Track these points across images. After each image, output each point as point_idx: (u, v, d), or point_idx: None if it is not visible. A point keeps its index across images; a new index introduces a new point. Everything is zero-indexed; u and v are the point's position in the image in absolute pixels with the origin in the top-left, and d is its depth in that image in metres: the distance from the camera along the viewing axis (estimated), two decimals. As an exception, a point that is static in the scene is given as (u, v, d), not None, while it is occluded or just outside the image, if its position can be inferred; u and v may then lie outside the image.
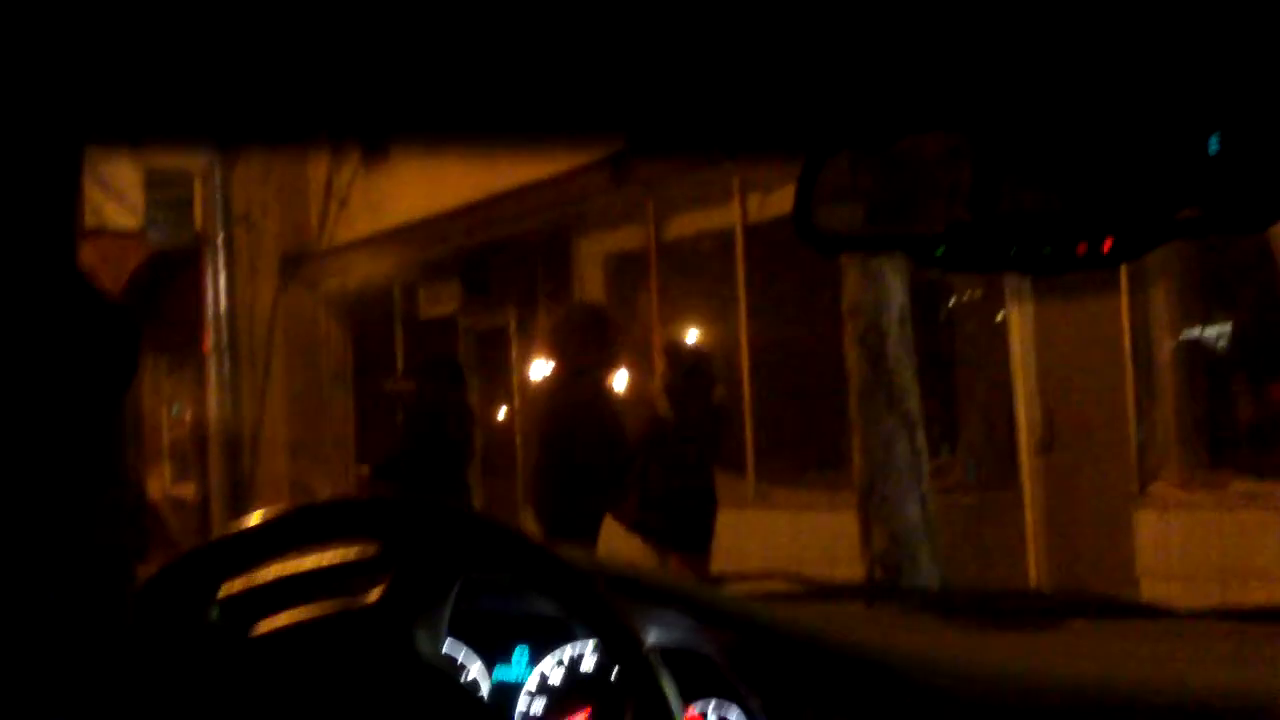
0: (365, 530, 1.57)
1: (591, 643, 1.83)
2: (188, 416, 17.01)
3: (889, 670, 1.77)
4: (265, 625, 1.51)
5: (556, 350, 6.74)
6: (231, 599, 1.67)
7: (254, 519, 1.58)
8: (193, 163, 14.27)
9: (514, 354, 14.09)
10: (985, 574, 8.93)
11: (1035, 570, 9.07)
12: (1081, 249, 1.34)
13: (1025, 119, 1.40)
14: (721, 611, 1.87)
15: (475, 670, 1.89)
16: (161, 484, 16.88)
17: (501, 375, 14.35)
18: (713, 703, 1.81)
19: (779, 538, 10.00)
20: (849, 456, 7.92)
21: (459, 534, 1.51)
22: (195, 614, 1.48)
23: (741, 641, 1.84)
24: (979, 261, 1.38)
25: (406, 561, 1.51)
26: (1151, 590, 8.16)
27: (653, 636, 1.79)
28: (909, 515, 7.14)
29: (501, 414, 14.50)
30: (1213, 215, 1.32)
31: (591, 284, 13.12)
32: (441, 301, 14.89)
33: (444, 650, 1.84)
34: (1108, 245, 1.33)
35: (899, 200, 1.47)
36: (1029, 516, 9.21)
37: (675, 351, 8.14)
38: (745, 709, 1.80)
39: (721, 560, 7.53)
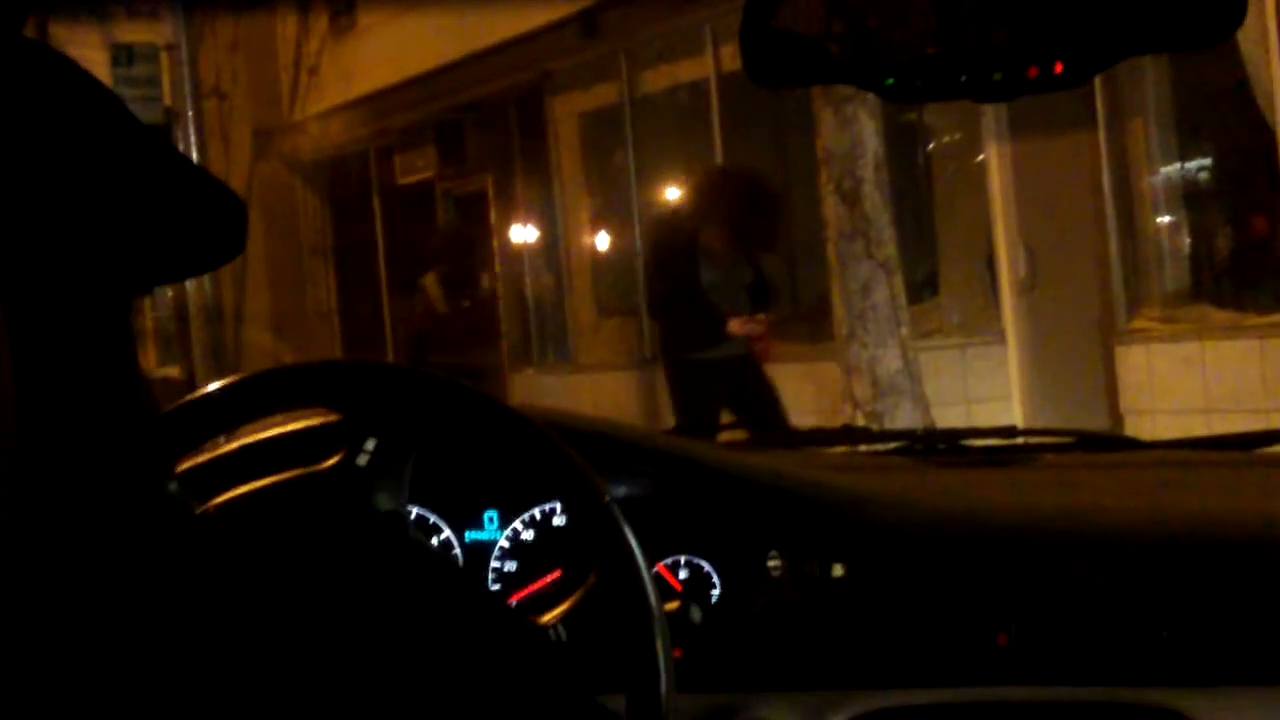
0: (321, 396, 1.54)
1: (560, 503, 1.81)
2: (169, 295, 16.97)
3: (858, 513, 1.76)
4: (225, 496, 1.49)
5: None
6: (190, 471, 1.66)
7: (208, 390, 1.55)
8: (158, 35, 14.08)
9: (493, 217, 14.03)
10: (969, 417, 8.96)
11: (1020, 411, 9.10)
12: (1033, 72, 1.30)
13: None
14: (691, 461, 1.86)
15: (443, 536, 1.88)
16: (147, 366, 16.88)
17: (482, 239, 14.29)
18: (684, 558, 1.79)
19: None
20: (830, 305, 7.91)
21: (416, 395, 1.49)
22: (152, 487, 1.45)
23: (712, 491, 1.82)
24: (929, 90, 1.35)
25: (363, 424, 1.49)
26: (1136, 426, 8.20)
27: (620, 491, 1.77)
28: (889, 361, 7.15)
29: (484, 280, 14.47)
30: (1163, 29, 1.28)
31: (567, 143, 13.03)
32: (417, 167, 14.80)
33: (415, 513, 1.83)
34: (1059, 67, 1.30)
35: (852, 33, 1.43)
36: (1012, 358, 9.22)
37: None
38: (717, 561, 1.79)
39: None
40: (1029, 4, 1.35)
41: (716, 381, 7.29)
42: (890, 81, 1.35)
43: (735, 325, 7.27)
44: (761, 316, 7.32)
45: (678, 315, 7.60)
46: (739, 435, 2.31)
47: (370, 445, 1.47)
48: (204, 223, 1.69)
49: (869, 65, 1.36)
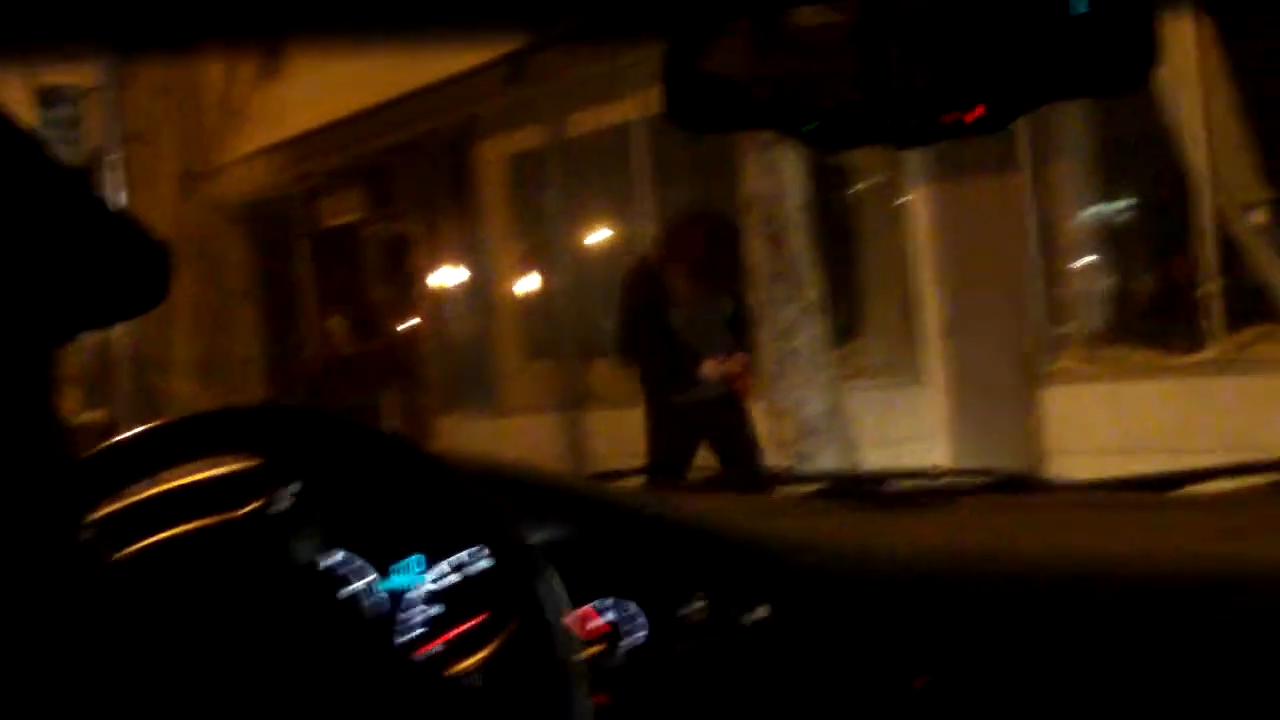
0: (244, 441, 1.53)
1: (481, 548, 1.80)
2: (93, 340, 16.80)
3: (782, 555, 1.77)
4: (140, 544, 1.47)
5: None
6: (106, 519, 1.64)
7: (126, 436, 1.54)
8: (84, 78, 13.98)
9: (419, 260, 14.00)
10: (893, 458, 9.00)
11: (944, 452, 9.16)
12: (951, 119, 1.32)
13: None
14: (616, 505, 1.85)
15: (366, 580, 1.86)
16: (70, 411, 16.68)
17: (407, 282, 14.26)
18: (611, 600, 1.79)
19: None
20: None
21: (337, 441, 1.48)
22: (62, 535, 1.43)
23: (637, 534, 1.82)
24: (850, 136, 1.36)
25: (282, 471, 1.48)
26: (1059, 466, 8.26)
27: (543, 535, 1.76)
28: (815, 403, 7.17)
29: (411, 323, 14.43)
30: (1079, 78, 1.30)
31: (494, 185, 13.03)
32: (344, 210, 14.75)
33: (333, 560, 1.81)
34: (977, 114, 1.31)
35: (773, 79, 1.44)
36: (936, 399, 9.28)
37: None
38: (643, 604, 1.78)
39: (630, 455, 7.54)
40: (948, 52, 1.36)
41: (696, 423, 7.34)
42: (811, 127, 1.36)
43: (709, 367, 7.31)
44: (739, 355, 7.35)
45: (653, 359, 7.63)
46: (667, 477, 2.31)
47: (292, 490, 1.46)
48: (127, 270, 1.65)
49: (790, 111, 1.38)
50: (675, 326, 7.37)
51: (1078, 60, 1.28)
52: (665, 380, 7.47)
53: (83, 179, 1.71)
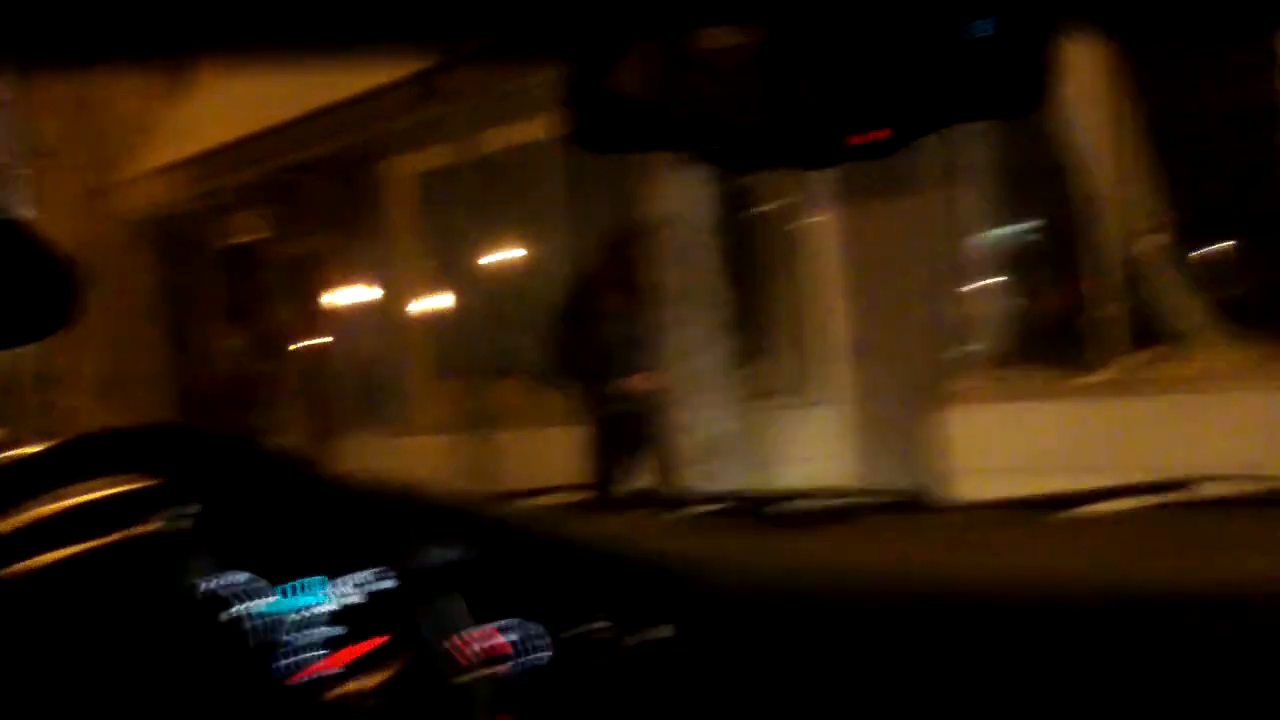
0: (140, 462, 1.51)
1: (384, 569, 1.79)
2: (-6, 356, 16.56)
3: (685, 575, 1.77)
4: (28, 564, 1.45)
5: None
6: (3, 535, 1.61)
7: (22, 453, 1.52)
8: (-13, 93, 13.82)
9: (328, 277, 13.93)
10: (798, 478, 9.04)
11: (849, 471, 9.20)
12: (854, 140, 1.33)
13: (798, 12, 1.38)
14: (521, 525, 1.85)
15: (262, 601, 1.84)
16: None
17: (314, 300, 14.17)
18: (514, 620, 1.79)
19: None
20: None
21: (235, 462, 1.47)
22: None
23: (542, 554, 1.82)
24: (755, 158, 1.37)
25: (181, 491, 1.47)
26: (962, 486, 8.32)
27: (445, 556, 1.76)
28: (719, 423, 7.19)
29: (317, 341, 14.34)
30: (980, 101, 1.31)
31: (404, 203, 12.98)
32: (251, 227, 14.64)
33: (229, 581, 1.79)
34: (881, 136, 1.32)
35: (679, 101, 1.44)
36: (840, 418, 9.33)
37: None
38: (547, 625, 1.78)
39: (533, 477, 7.52)
40: (852, 75, 1.37)
41: (627, 438, 7.46)
42: (716, 149, 1.36)
43: (636, 381, 7.49)
44: (655, 373, 7.51)
45: (585, 376, 7.92)
46: (563, 498, 2.31)
47: (190, 510, 1.45)
48: (28, 290, 1.60)
49: (696, 133, 1.38)
50: (607, 343, 7.53)
51: (979, 83, 1.29)
52: (596, 398, 7.63)
53: None
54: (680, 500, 2.53)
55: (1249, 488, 2.14)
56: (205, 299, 15.15)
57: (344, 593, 1.83)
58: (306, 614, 1.82)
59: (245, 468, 1.44)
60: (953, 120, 1.35)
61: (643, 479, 7.61)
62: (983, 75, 1.32)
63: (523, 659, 1.75)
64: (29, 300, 1.54)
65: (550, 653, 1.76)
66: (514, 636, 1.78)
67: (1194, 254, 8.33)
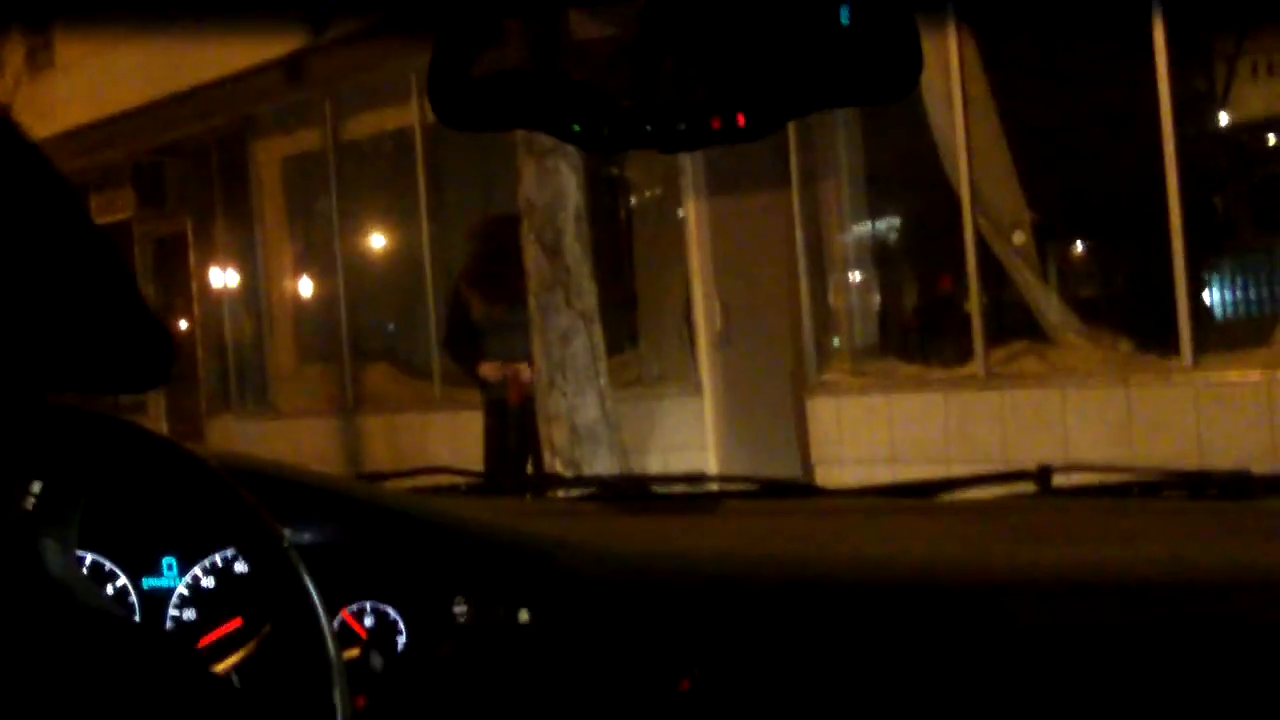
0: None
1: (238, 549, 1.77)
2: None
3: (544, 558, 1.76)
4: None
5: None
6: None
7: None
8: None
9: (192, 260, 13.73)
10: (665, 466, 9.08)
11: (715, 460, 9.26)
12: (716, 124, 1.33)
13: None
14: (376, 507, 1.83)
15: (119, 583, 1.81)
16: None
17: (180, 282, 13.97)
18: (369, 604, 1.77)
19: (466, 439, 9.99)
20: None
21: (86, 436, 1.43)
22: None
23: (398, 536, 1.80)
24: (615, 139, 1.36)
25: (29, 466, 1.43)
26: (826, 474, 8.41)
27: (304, 537, 1.74)
28: (588, 410, 7.21)
29: (182, 323, 14.13)
30: (846, 86, 1.32)
31: (269, 187, 12.84)
32: (115, 208, 14.40)
33: (81, 562, 1.76)
34: (742, 119, 1.32)
35: (543, 81, 1.43)
36: (707, 408, 9.39)
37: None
38: (403, 608, 1.76)
39: (403, 459, 7.53)
40: (713, 57, 1.37)
41: (504, 423, 7.79)
42: (576, 128, 1.36)
43: (485, 369, 7.73)
44: (518, 363, 7.60)
45: (458, 361, 8.32)
46: (432, 480, 2.29)
47: (36, 489, 1.41)
48: (129, 348, 1.43)
49: (556, 111, 1.37)
50: (480, 330, 7.70)
51: (840, 69, 1.30)
52: (480, 384, 7.98)
53: (108, 242, 1.50)
54: (545, 485, 2.53)
55: (1101, 477, 2.17)
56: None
57: (197, 575, 1.80)
58: (159, 596, 1.79)
59: (94, 445, 1.41)
60: (813, 106, 1.35)
61: (511, 464, 7.62)
62: (843, 62, 1.32)
63: (378, 643, 1.74)
64: (126, 356, 1.39)
65: (406, 637, 1.75)
66: (370, 621, 1.76)
67: (1055, 252, 8.47)
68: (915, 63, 1.32)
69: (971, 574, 1.74)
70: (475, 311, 7.82)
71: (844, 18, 1.29)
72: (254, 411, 12.83)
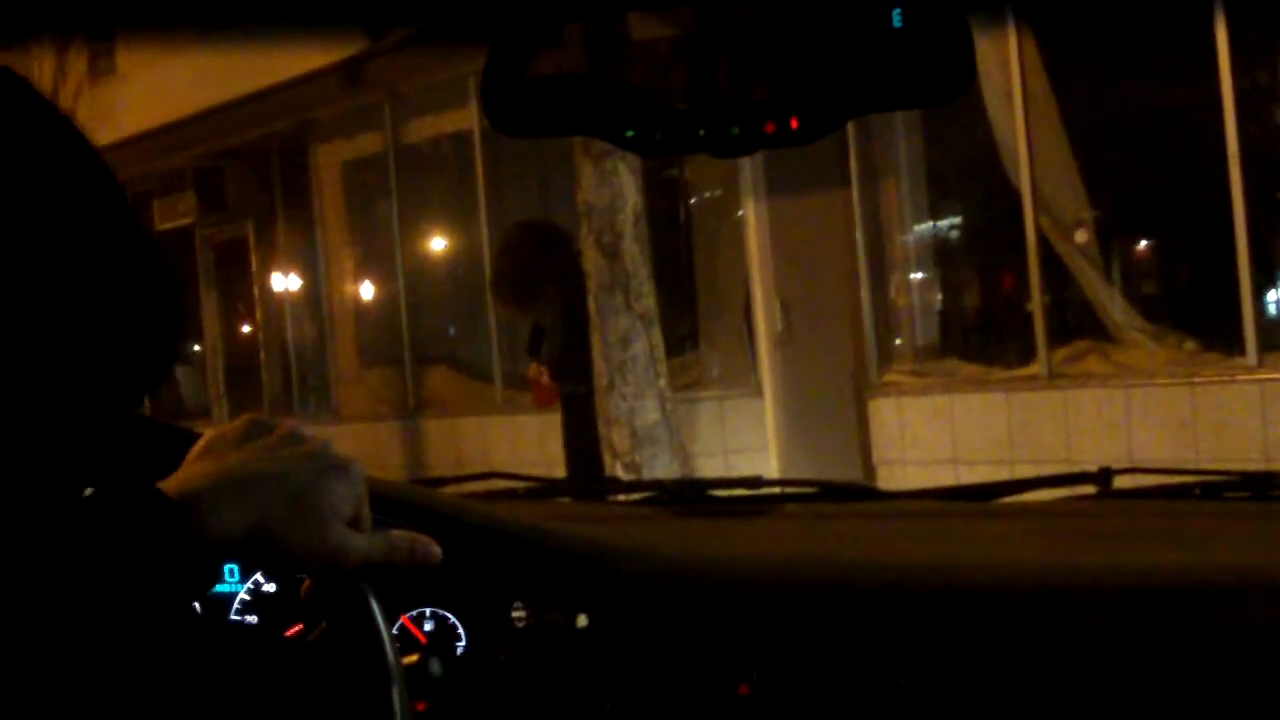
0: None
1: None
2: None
3: (602, 563, 1.76)
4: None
5: None
6: None
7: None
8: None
9: (254, 265, 13.82)
10: (726, 468, 9.07)
11: (775, 462, 9.24)
12: (769, 128, 1.32)
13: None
14: (435, 512, 1.84)
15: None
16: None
17: (241, 287, 14.07)
18: (428, 610, 1.77)
19: (527, 442, 10.01)
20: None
21: (137, 442, 1.44)
22: None
23: (456, 541, 1.81)
24: (668, 144, 1.36)
25: (84, 473, 1.44)
26: (888, 476, 8.38)
27: (362, 541, 1.74)
28: (648, 413, 7.21)
29: (244, 327, 14.24)
30: (898, 89, 1.31)
31: (330, 191, 12.91)
32: (177, 213, 14.52)
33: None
34: (795, 123, 1.32)
35: (597, 86, 1.44)
36: (768, 410, 9.37)
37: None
38: (462, 613, 1.77)
39: (464, 462, 7.55)
40: (766, 61, 1.37)
41: (565, 424, 7.81)
42: (630, 134, 1.36)
43: (563, 371, 7.69)
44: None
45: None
46: (487, 485, 2.30)
47: (87, 494, 1.42)
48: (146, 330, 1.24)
49: (609, 117, 1.37)
50: (537, 333, 7.76)
51: (892, 72, 1.29)
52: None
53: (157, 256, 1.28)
54: (604, 489, 2.53)
55: (1164, 479, 2.15)
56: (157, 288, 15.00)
57: (259, 580, 1.81)
58: (220, 601, 1.80)
59: (149, 450, 1.42)
60: (866, 109, 1.35)
61: (571, 467, 7.63)
62: (895, 65, 1.32)
63: (438, 648, 1.74)
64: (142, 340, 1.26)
65: (465, 642, 1.75)
66: (429, 626, 1.77)
67: (1118, 251, 8.41)
68: (968, 65, 1.31)
69: (1031, 578, 1.73)
70: (499, 316, 7.92)
71: (896, 20, 1.28)
72: (316, 415, 12.89)
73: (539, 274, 7.64)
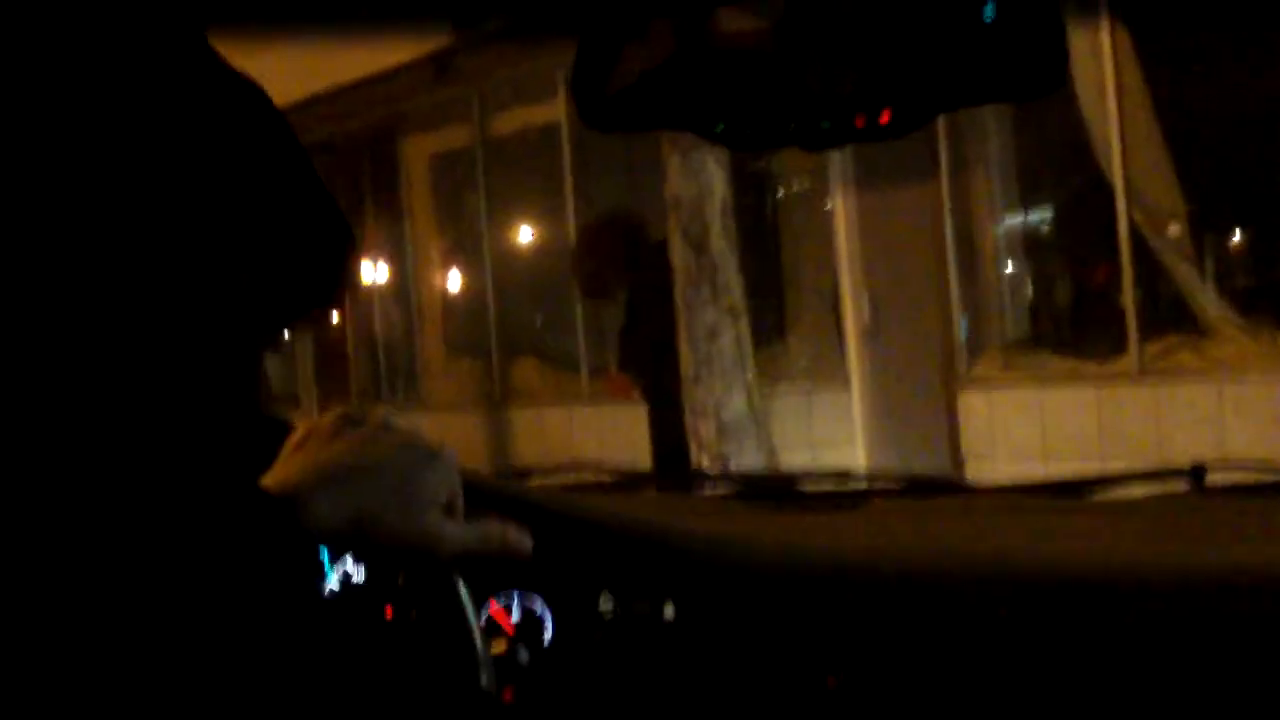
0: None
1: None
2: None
3: (690, 554, 1.77)
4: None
5: None
6: None
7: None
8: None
9: (343, 257, 13.92)
10: (813, 461, 9.04)
11: (863, 456, 9.21)
12: (860, 122, 1.32)
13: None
14: (521, 501, 1.85)
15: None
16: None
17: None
18: (515, 594, 1.78)
19: (613, 434, 10.03)
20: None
21: (238, 429, 1.46)
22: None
23: (544, 531, 1.82)
24: (759, 138, 1.36)
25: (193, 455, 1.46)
26: (977, 470, 8.33)
27: (451, 531, 1.76)
28: (735, 405, 7.21)
29: (334, 318, 14.35)
30: (990, 83, 1.31)
31: (418, 184, 12.98)
32: (268, 206, 14.65)
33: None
34: (886, 117, 1.32)
35: (687, 81, 1.44)
36: (856, 402, 9.33)
37: None
38: (550, 602, 1.78)
39: (543, 455, 7.59)
40: (857, 54, 1.37)
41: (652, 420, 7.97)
42: (720, 128, 1.36)
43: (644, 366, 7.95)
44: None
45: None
46: (572, 477, 2.31)
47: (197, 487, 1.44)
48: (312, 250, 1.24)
49: (699, 111, 1.38)
50: (625, 326, 7.87)
51: (984, 66, 1.29)
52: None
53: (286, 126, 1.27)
54: (690, 482, 2.53)
55: (1261, 476, 2.13)
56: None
57: (347, 571, 1.83)
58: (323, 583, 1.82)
59: (250, 437, 1.44)
60: (958, 104, 1.34)
61: (657, 460, 7.65)
62: (987, 59, 1.31)
63: (526, 635, 1.76)
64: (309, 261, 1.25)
65: (553, 630, 1.76)
66: (517, 613, 1.78)
67: (1212, 244, 8.31)
68: (1061, 59, 1.30)
69: (1123, 574, 1.72)
70: (585, 307, 8.03)
71: (989, 14, 1.28)
72: (403, 404, 12.98)
73: (612, 267, 7.70)
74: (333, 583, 1.83)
